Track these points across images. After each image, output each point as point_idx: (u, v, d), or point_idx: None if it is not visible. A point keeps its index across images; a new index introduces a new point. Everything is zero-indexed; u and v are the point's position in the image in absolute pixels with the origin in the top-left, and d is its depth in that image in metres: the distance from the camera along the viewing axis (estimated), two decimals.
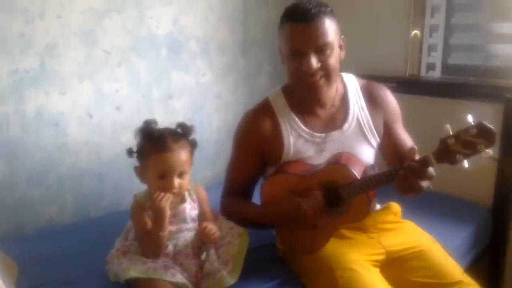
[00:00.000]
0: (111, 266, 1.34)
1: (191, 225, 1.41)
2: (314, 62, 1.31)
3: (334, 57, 1.34)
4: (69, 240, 1.71)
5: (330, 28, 1.32)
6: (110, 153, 2.07)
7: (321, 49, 1.31)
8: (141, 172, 1.39)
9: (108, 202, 2.10)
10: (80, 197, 2.02)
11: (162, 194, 1.31)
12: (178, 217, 1.39)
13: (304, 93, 1.41)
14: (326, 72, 1.34)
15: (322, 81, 1.35)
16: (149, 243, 1.32)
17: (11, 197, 1.83)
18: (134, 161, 1.42)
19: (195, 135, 1.44)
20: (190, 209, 1.41)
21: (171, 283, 1.27)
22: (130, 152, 1.39)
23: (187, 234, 1.39)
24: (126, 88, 2.08)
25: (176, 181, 1.34)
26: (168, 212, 1.30)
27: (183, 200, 1.41)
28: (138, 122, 1.42)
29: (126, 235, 1.43)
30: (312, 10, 1.29)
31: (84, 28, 1.90)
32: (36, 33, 1.78)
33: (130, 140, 1.43)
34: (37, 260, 1.54)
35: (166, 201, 1.30)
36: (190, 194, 1.43)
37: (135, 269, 1.26)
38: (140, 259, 1.30)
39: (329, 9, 1.33)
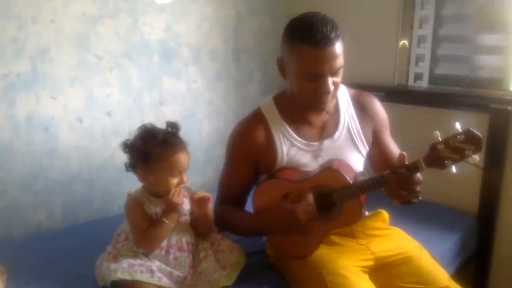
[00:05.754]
0: (100, 270, 1.34)
1: (183, 218, 1.43)
2: (331, 84, 1.32)
3: (342, 74, 1.37)
4: (58, 245, 1.70)
5: (342, 50, 1.32)
6: (100, 158, 2.07)
7: (337, 72, 1.33)
8: (143, 174, 1.40)
9: (97, 207, 2.09)
10: (69, 202, 2.01)
11: (177, 189, 1.37)
12: None
13: (311, 109, 1.43)
14: (336, 90, 1.37)
15: (331, 97, 1.37)
16: (153, 235, 1.35)
17: (0, 202, 1.82)
18: (123, 167, 1.42)
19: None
20: (182, 203, 1.41)
21: (157, 286, 1.29)
22: (132, 166, 1.40)
23: (180, 227, 1.41)
24: (118, 93, 2.08)
25: (185, 176, 1.41)
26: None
27: None
28: (129, 128, 1.42)
29: (116, 239, 1.43)
30: (332, 36, 1.26)
31: (77, 33, 1.91)
32: (29, 38, 1.79)
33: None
34: (26, 265, 1.53)
35: (179, 195, 1.38)
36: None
37: (122, 271, 1.27)
38: (128, 262, 1.31)
39: (340, 30, 1.31)
